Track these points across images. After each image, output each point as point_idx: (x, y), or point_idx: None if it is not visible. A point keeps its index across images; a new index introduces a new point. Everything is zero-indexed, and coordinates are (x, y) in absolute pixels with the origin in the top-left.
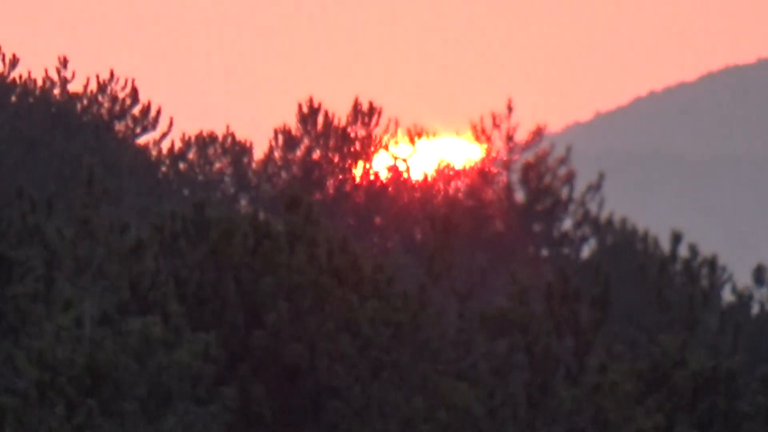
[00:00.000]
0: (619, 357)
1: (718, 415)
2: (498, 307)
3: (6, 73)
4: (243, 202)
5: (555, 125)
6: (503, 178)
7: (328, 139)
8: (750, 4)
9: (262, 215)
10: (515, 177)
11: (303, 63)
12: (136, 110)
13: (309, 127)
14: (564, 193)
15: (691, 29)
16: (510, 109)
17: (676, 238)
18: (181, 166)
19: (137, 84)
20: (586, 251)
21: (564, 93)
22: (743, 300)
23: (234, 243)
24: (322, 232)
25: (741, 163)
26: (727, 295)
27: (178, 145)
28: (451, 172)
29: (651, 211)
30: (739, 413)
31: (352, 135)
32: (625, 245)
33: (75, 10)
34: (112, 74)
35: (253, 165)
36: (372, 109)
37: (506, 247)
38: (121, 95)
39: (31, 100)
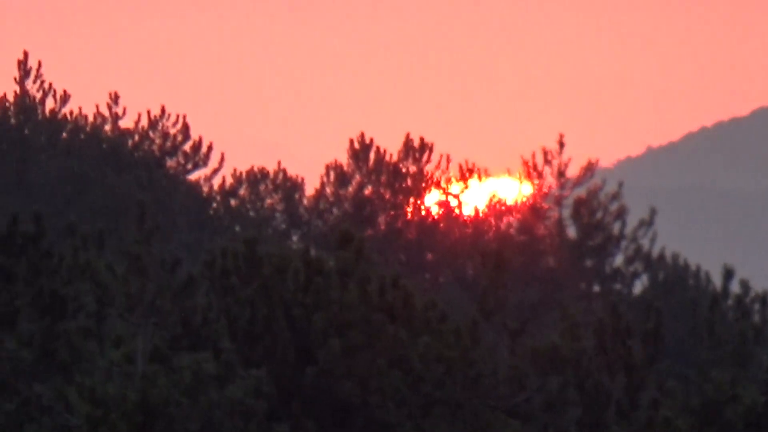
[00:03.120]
0: (671, 393)
1: None
2: (550, 343)
3: (57, 110)
4: (294, 239)
5: (606, 160)
6: (555, 214)
7: (379, 175)
8: None
9: (313, 251)
10: (567, 212)
11: (355, 99)
12: (187, 146)
13: (360, 163)
14: (616, 228)
15: (743, 65)
16: (561, 144)
17: (728, 274)
18: (233, 202)
19: (188, 120)
20: (637, 287)
21: (615, 128)
22: None
23: (285, 279)
24: (373, 269)
25: None
26: None
27: (229, 181)
28: (502, 208)
29: (703, 247)
30: None
31: (404, 171)
32: (676, 281)
33: (126, 47)
34: (163, 110)
35: (305, 201)
36: (423, 145)
37: (558, 283)
38: (172, 131)
39: (82, 136)
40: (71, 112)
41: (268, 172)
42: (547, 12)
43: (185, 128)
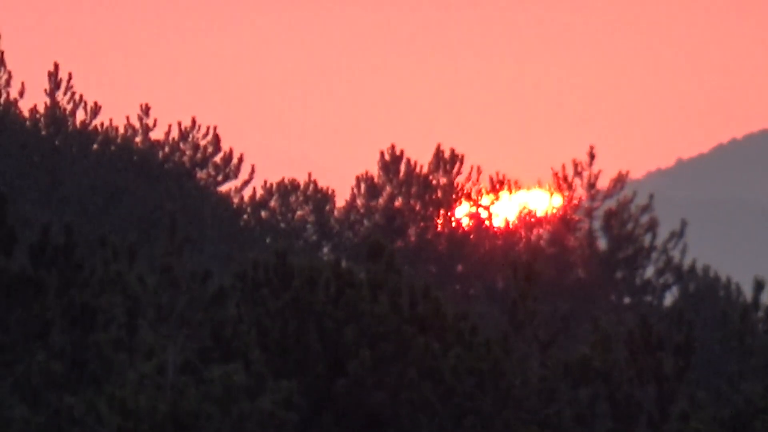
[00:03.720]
0: (701, 405)
1: None
2: (580, 355)
3: (88, 122)
4: (325, 250)
5: (637, 172)
6: (585, 226)
7: (410, 187)
8: None
9: (344, 263)
10: (597, 224)
11: (386, 111)
12: (217, 158)
13: (391, 175)
14: (646, 240)
15: None
16: (592, 156)
17: (759, 286)
18: (263, 213)
19: (219, 132)
20: (668, 299)
21: (646, 140)
22: None
23: (316, 291)
24: (404, 280)
25: None
26: None
27: (259, 192)
28: (532, 220)
29: (733, 259)
30: None
31: (434, 183)
32: (707, 293)
33: (158, 59)
34: (194, 122)
35: (335, 213)
36: (454, 157)
37: (588, 295)
38: (202, 143)
39: (112, 148)
40: (102, 124)
41: (298, 184)
42: (579, 26)
43: (216, 140)
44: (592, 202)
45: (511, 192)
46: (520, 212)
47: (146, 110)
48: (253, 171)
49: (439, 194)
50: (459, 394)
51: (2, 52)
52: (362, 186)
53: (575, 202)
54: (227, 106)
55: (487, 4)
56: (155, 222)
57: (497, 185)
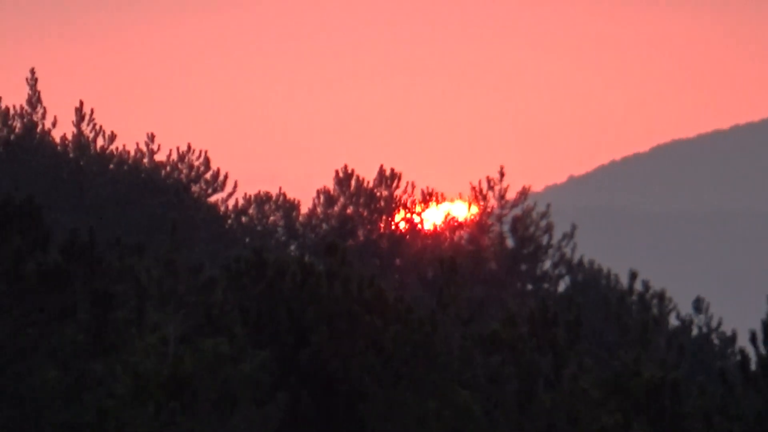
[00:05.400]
0: (587, 369)
1: (666, 415)
2: (492, 329)
3: (106, 147)
4: (292, 248)
5: (537, 186)
6: (496, 229)
7: (359, 198)
8: (706, 81)
9: (307, 258)
10: (506, 227)
11: (340, 136)
12: (207, 175)
13: (344, 189)
14: (544, 240)
15: (645, 107)
16: (502, 174)
17: (633, 276)
18: (243, 219)
19: (209, 154)
20: (561, 286)
21: (544, 160)
22: (685, 325)
23: (285, 280)
24: (354, 272)
25: (676, 217)
26: (673, 321)
27: (241, 202)
28: (455, 224)
29: (612, 254)
30: (682, 414)
31: (378, 195)
32: (592, 281)
33: (161, 98)
34: (189, 147)
35: (300, 218)
36: (393, 175)
37: (499, 283)
38: (196, 163)
39: (125, 167)
40: (117, 148)
41: (271, 196)
42: (494, 59)
43: (206, 161)
44: (501, 210)
45: (438, 202)
46: (445, 218)
47: (152, 137)
48: (235, 186)
49: (382, 204)
50: (397, 361)
51: (39, 92)
52: (321, 197)
53: (489, 210)
54: (217, 134)
55: (419, 43)
56: (159, 226)
57: (427, 197)
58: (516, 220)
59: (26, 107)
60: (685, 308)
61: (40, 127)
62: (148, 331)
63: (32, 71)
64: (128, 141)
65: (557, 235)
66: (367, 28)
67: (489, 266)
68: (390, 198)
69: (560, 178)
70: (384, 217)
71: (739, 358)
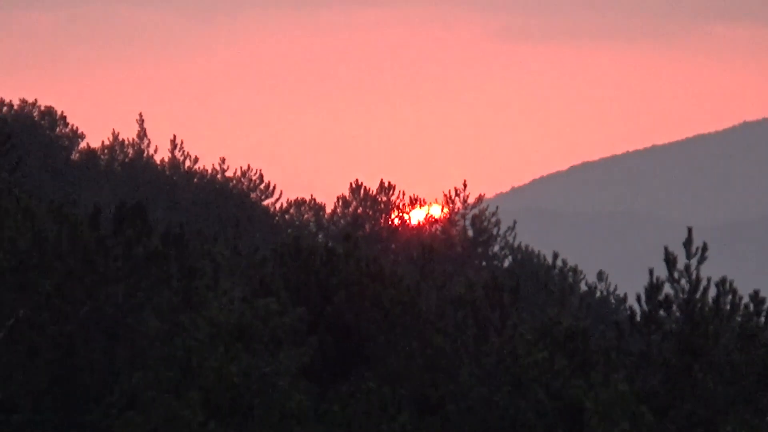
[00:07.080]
0: (523, 320)
1: (579, 352)
2: (458, 292)
3: (191, 167)
4: (320, 237)
5: (489, 194)
6: (461, 223)
7: (366, 202)
8: (630, 97)
9: (330, 244)
10: (468, 223)
11: (354, 157)
12: (262, 186)
13: (356, 196)
14: (494, 231)
15: (563, 128)
16: (465, 185)
17: (555, 256)
18: (286, 217)
19: (263, 171)
20: (506, 263)
21: (494, 174)
22: (591, 290)
23: (315, 259)
24: (363, 253)
25: (588, 216)
26: (583, 287)
27: (284, 205)
28: (432, 220)
29: (542, 239)
30: (590, 351)
31: (379, 200)
32: (527, 261)
33: (230, 125)
34: (249, 166)
35: (326, 216)
36: (390, 186)
37: (462, 260)
38: (253, 178)
39: (204, 181)
40: (199, 168)
41: (305, 200)
42: (457, 93)
43: (261, 176)
44: (465, 210)
45: (421, 205)
46: (426, 216)
47: (222, 161)
48: (281, 193)
49: (382, 206)
50: (392, 315)
51: (146, 129)
52: (340, 201)
53: (456, 210)
54: (268, 154)
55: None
56: (229, 221)
57: (414, 201)
58: (474, 218)
59: (136, 139)
60: (591, 278)
61: (146, 152)
62: (220, 294)
63: (140, 115)
64: (207, 163)
65: (503, 228)
66: (382, 64)
67: (456, 249)
68: (388, 202)
69: (505, 188)
70: (384, 216)
71: (628, 312)
